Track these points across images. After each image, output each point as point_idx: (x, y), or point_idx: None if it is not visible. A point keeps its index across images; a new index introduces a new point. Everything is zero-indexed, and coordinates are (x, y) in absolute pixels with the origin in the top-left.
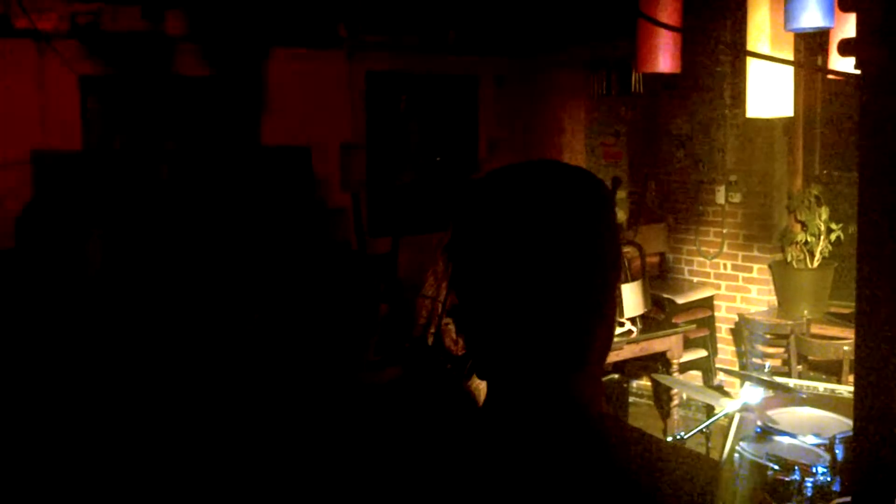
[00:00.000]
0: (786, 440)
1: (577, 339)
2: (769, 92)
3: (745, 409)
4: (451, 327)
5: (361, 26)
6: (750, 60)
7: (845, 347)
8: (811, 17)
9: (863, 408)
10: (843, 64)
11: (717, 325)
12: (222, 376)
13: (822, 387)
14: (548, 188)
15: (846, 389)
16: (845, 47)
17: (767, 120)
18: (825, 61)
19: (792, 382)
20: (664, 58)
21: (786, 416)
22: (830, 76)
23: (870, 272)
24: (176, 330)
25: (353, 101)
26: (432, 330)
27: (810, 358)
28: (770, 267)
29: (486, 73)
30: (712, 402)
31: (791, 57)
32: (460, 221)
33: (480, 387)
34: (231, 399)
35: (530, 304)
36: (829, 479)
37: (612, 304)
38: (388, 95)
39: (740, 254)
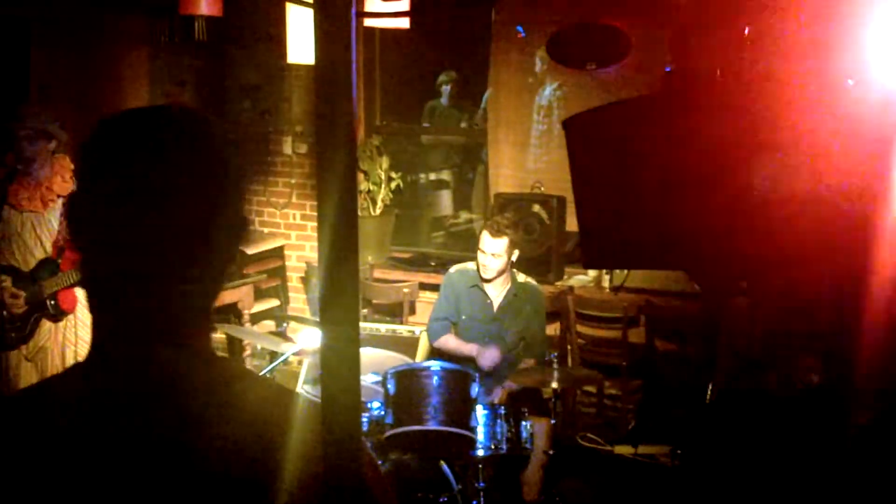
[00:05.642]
0: None
1: (171, 282)
2: (311, 37)
3: (309, 353)
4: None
5: None
6: (288, 5)
7: (405, 290)
8: None
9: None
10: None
11: (289, 274)
12: None
13: (383, 328)
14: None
15: (406, 329)
16: None
17: None
18: (362, 5)
19: None
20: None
21: None
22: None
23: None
24: None
25: None
26: None
27: (374, 301)
28: None
29: (40, 16)
30: (275, 349)
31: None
32: (78, 167)
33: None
34: None
35: (129, 247)
36: (382, 412)
37: (221, 252)
38: None
39: (308, 203)
